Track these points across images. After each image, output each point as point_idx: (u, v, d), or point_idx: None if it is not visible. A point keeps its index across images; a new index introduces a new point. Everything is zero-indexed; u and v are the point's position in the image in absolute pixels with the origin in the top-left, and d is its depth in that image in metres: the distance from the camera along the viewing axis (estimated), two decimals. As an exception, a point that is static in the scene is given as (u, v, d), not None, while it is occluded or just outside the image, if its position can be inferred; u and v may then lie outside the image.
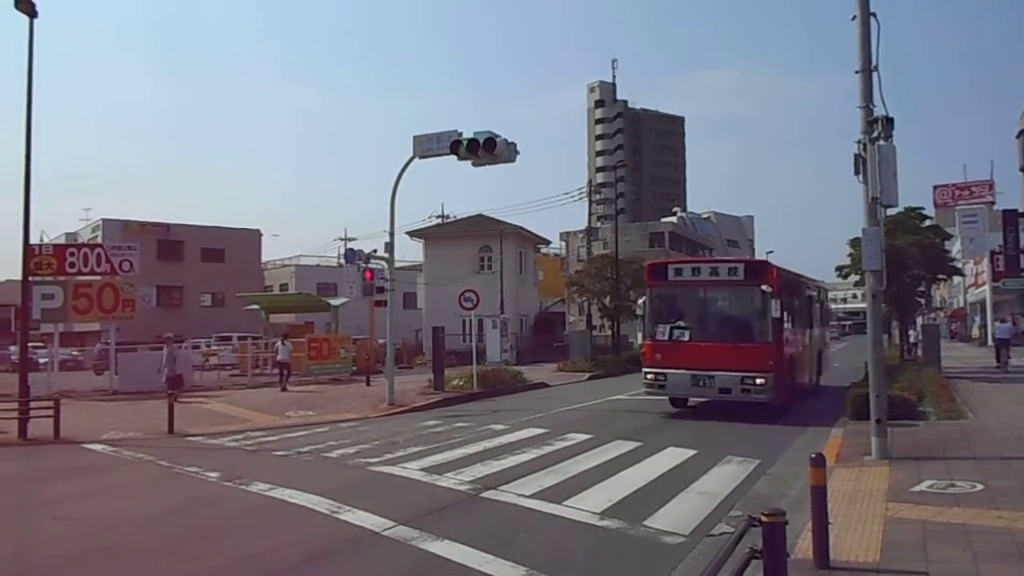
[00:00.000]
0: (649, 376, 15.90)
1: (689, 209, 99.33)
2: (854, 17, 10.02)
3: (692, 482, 9.33)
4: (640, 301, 16.98)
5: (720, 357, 14.92)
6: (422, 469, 10.47)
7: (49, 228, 78.30)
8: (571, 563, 6.50)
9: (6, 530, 8.48)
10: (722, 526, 7.18)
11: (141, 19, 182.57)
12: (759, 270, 15.63)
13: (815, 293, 22.09)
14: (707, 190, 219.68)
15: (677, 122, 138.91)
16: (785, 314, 15.62)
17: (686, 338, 15.57)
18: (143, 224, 52.38)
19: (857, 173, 9.85)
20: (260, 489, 9.43)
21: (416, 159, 19.19)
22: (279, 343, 26.51)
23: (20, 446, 14.29)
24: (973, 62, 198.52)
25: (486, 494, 8.90)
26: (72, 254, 24.47)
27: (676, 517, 7.68)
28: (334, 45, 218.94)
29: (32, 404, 15.78)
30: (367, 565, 6.56)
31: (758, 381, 14.55)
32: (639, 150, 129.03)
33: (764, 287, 14.69)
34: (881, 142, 9.65)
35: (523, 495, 8.73)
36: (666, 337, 15.71)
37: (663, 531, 7.20)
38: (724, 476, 9.78)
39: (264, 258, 62.29)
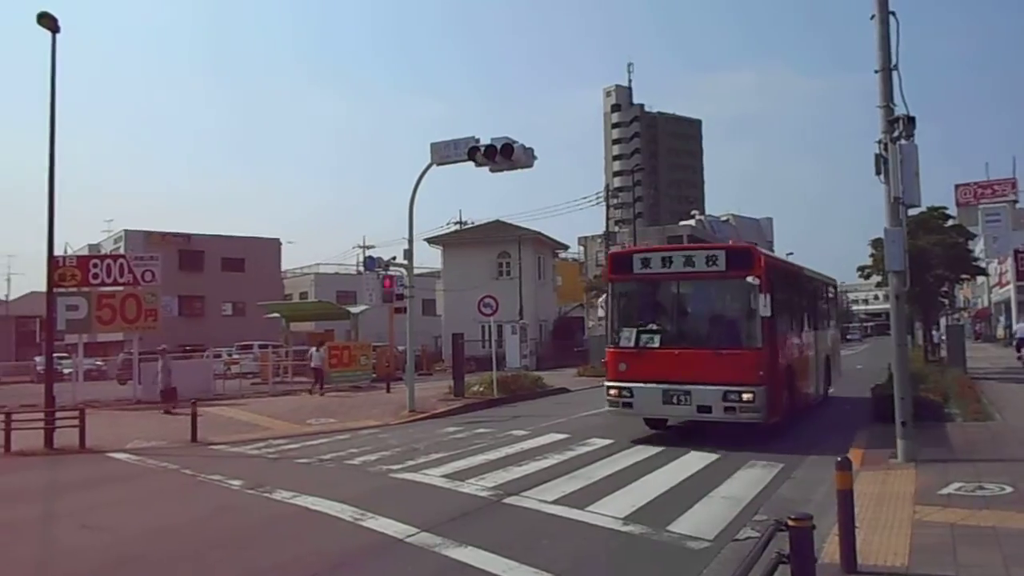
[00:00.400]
0: (612, 391, 13.25)
1: (708, 212, 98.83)
2: (873, 16, 9.96)
3: (715, 487, 9.27)
4: (600, 300, 15.18)
5: (698, 367, 12.39)
6: (444, 476, 10.48)
7: (72, 240, 79.32)
8: (596, 569, 6.49)
9: (38, 540, 8.59)
10: (747, 531, 7.13)
11: (159, 28, 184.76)
12: (743, 258, 12.88)
13: (820, 287, 19.75)
14: (725, 193, 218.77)
15: (694, 125, 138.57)
16: (780, 312, 13.36)
17: (656, 344, 12.98)
18: (164, 235, 52.88)
19: (879, 173, 9.77)
20: (283, 497, 9.46)
21: (434, 166, 19.26)
22: (313, 350, 27.42)
23: (47, 456, 14.45)
24: (987, 60, 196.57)
25: (508, 500, 8.89)
26: (95, 265, 24.80)
27: (700, 522, 7.63)
28: (352, 52, 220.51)
29: (58, 414, 15.97)
30: (391, 572, 6.56)
31: (745, 396, 12.00)
32: (656, 154, 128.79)
33: (750, 278, 12.14)
34: (903, 141, 9.57)
35: (546, 501, 8.72)
36: (632, 343, 13.13)
37: (687, 536, 7.15)
38: (748, 480, 9.71)
39: (284, 267, 62.74)
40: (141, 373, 25.40)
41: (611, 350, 13.54)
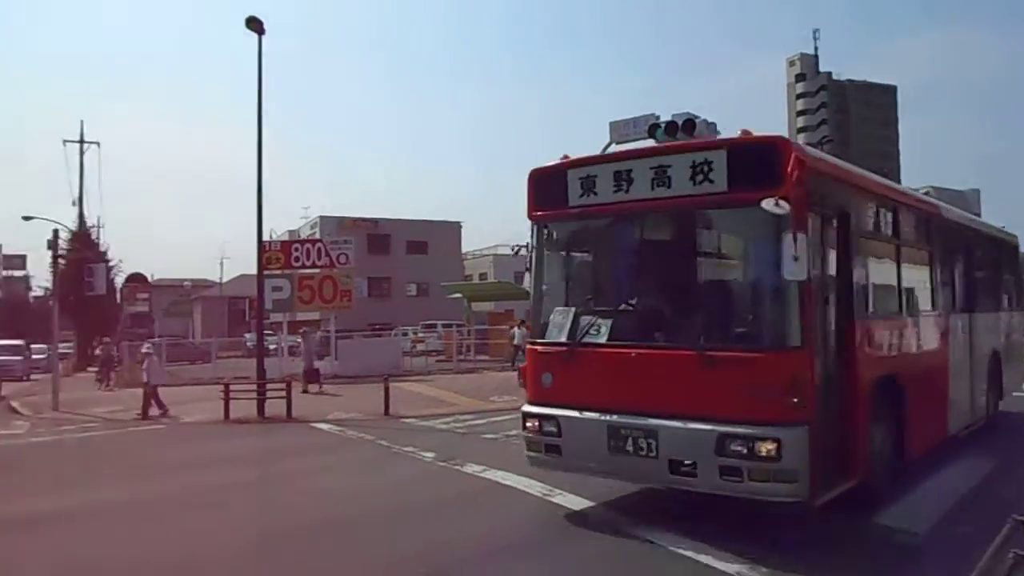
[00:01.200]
0: (529, 424, 7.54)
1: (905, 184, 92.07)
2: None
3: (925, 478, 8.61)
4: (516, 250, 8.57)
5: (673, 383, 6.56)
6: (628, 455, 10.44)
7: (274, 226, 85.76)
8: (795, 556, 6.24)
9: (260, 501, 9.50)
10: (963, 526, 6.60)
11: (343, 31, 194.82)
12: (761, 161, 6.37)
13: (976, 241, 12.04)
14: (925, 163, 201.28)
15: (888, 92, 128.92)
16: (859, 273, 7.24)
17: (603, 337, 7.09)
18: (355, 220, 55.94)
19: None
20: (474, 471, 9.81)
21: (612, 145, 19.12)
22: (515, 328, 28.40)
23: (260, 424, 15.87)
24: None
25: (696, 482, 8.72)
26: (296, 249, 26.72)
27: (908, 514, 7.14)
28: (530, 38, 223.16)
29: (268, 386, 17.43)
30: (584, 548, 6.64)
31: (761, 448, 6.00)
32: (846, 124, 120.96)
33: (770, 203, 5.85)
34: None
35: (736, 485, 8.46)
36: (565, 336, 7.32)
37: (894, 529, 6.73)
38: (958, 474, 8.96)
39: (463, 248, 64.75)
40: (338, 350, 27.16)
41: (532, 348, 7.86)
